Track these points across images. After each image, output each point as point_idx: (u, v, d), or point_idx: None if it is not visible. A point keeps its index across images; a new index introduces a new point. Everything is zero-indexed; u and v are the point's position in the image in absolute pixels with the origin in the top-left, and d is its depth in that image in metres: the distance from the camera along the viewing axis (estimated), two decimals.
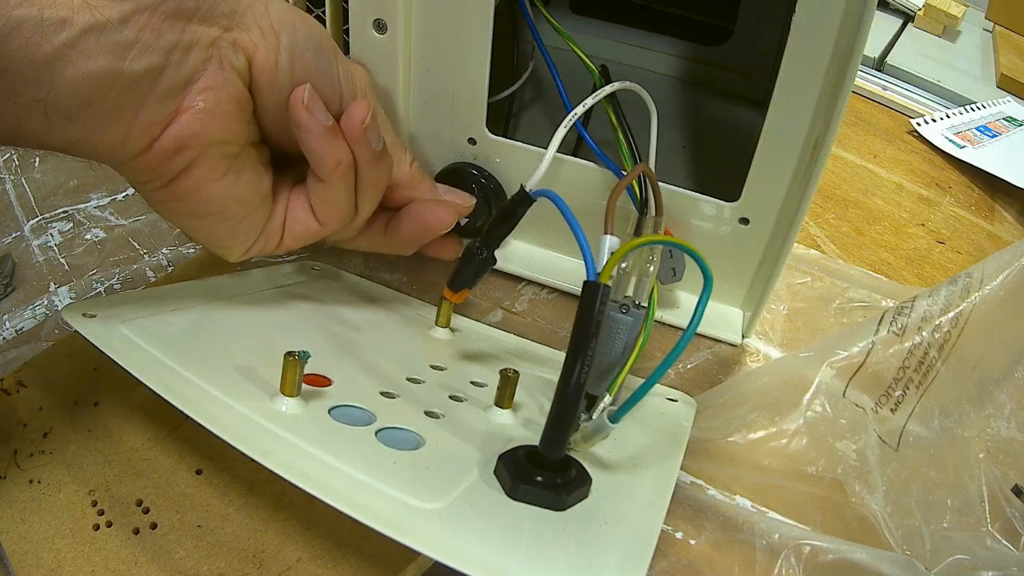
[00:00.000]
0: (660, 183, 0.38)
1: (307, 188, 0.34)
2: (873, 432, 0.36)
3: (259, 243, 0.34)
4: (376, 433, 0.28)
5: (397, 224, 0.38)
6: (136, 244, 0.46)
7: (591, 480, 0.27)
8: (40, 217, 0.47)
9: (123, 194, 0.50)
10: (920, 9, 0.98)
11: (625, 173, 0.38)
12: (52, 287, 0.42)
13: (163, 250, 0.45)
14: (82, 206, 0.48)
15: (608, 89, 0.38)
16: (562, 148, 0.37)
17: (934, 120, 0.75)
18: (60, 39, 0.24)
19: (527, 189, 0.35)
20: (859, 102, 0.79)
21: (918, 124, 0.74)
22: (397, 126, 0.43)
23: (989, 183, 0.67)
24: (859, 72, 0.40)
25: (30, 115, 0.25)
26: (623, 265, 0.35)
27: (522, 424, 0.31)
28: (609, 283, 0.27)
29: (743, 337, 0.43)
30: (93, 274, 0.43)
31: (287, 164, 0.35)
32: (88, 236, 0.46)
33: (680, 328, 0.43)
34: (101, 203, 0.49)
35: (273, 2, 0.31)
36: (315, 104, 0.31)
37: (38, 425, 0.33)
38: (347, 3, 0.40)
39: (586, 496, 0.27)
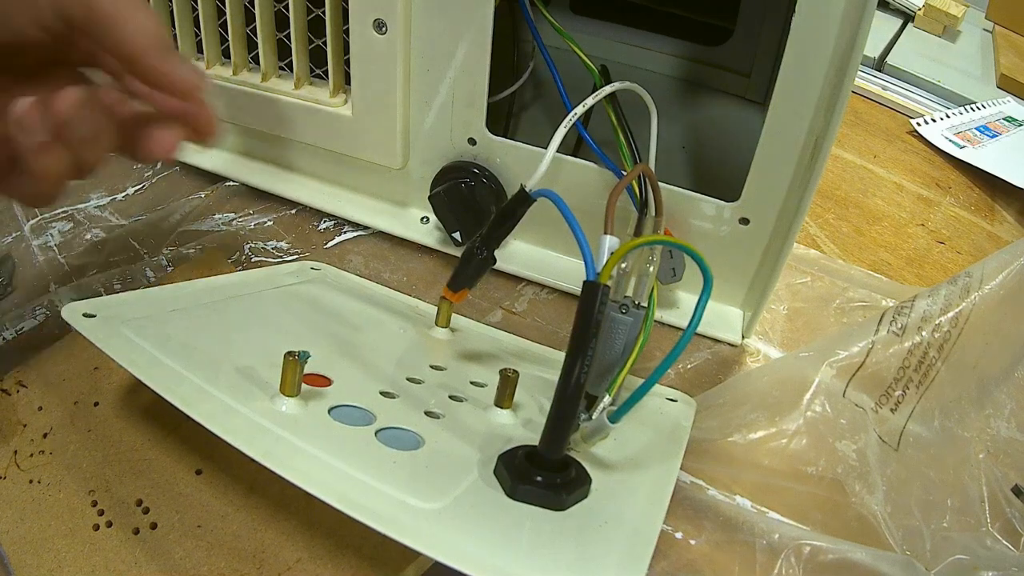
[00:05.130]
0: (660, 183, 0.38)
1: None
2: (873, 432, 0.36)
3: None
4: (376, 433, 0.28)
5: (124, 143, 0.32)
6: (136, 244, 0.46)
7: (591, 480, 0.27)
8: (40, 217, 0.47)
9: (123, 194, 0.50)
10: (920, 9, 0.98)
11: (625, 173, 0.38)
12: (52, 287, 0.42)
13: (163, 250, 0.45)
14: (82, 206, 0.48)
15: (608, 89, 0.38)
16: (562, 148, 0.37)
17: (934, 120, 0.75)
18: None
19: (527, 189, 0.35)
20: (859, 102, 0.79)
21: (918, 124, 0.74)
22: (394, 125, 0.43)
23: (989, 183, 0.67)
24: (859, 72, 0.40)
25: None
26: (623, 265, 0.35)
27: (522, 424, 0.31)
28: (609, 283, 0.27)
29: (743, 337, 0.43)
30: (93, 274, 0.43)
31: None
32: (88, 236, 0.46)
33: (680, 328, 0.43)
34: (101, 203, 0.49)
35: None
36: (31, 122, 0.27)
37: (38, 425, 0.33)
38: (347, 3, 0.40)
39: (586, 496, 0.27)
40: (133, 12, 0.30)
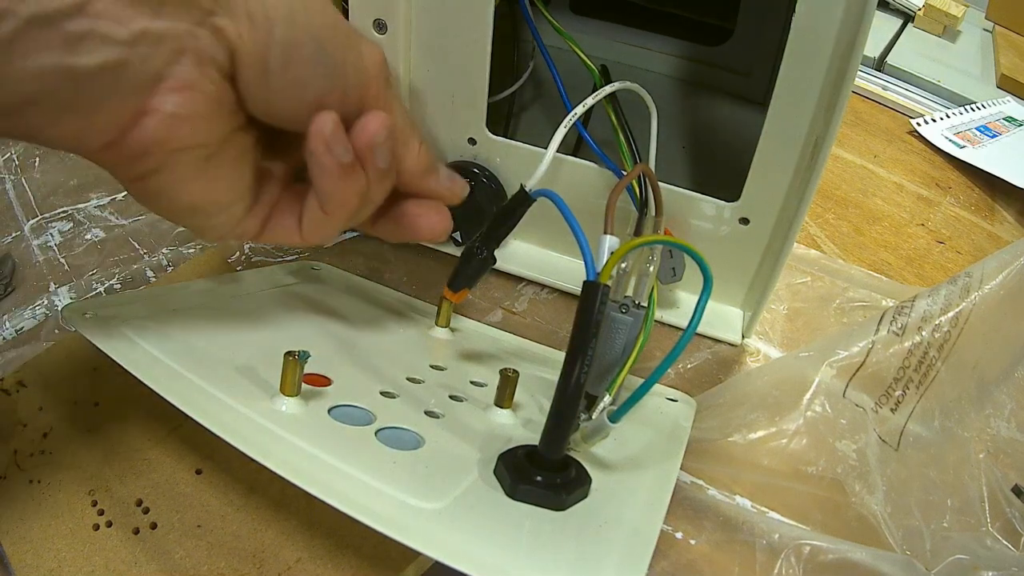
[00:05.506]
0: (660, 183, 0.38)
1: (302, 206, 0.30)
2: (873, 432, 0.36)
3: (231, 235, 0.30)
4: (376, 433, 0.28)
5: (387, 221, 0.34)
6: (136, 244, 0.46)
7: (591, 480, 0.27)
8: (40, 217, 0.47)
9: (123, 194, 0.50)
10: (920, 9, 0.98)
11: (625, 173, 0.38)
12: (52, 287, 0.42)
13: (163, 250, 0.45)
14: (82, 206, 0.48)
15: (608, 89, 0.38)
16: (562, 148, 0.37)
17: (934, 120, 0.75)
18: (1, 33, 0.20)
19: (527, 189, 0.35)
20: (859, 102, 0.79)
21: (918, 124, 0.74)
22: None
23: (989, 183, 0.67)
24: (859, 72, 0.40)
25: None
26: (623, 265, 0.35)
27: (522, 424, 0.31)
28: (609, 283, 0.27)
29: (743, 337, 0.43)
30: (93, 274, 0.43)
31: (278, 144, 0.30)
32: (88, 236, 0.46)
33: (680, 328, 0.43)
34: (101, 203, 0.49)
35: None
36: (337, 140, 0.26)
37: (38, 425, 0.33)
38: (347, 3, 0.40)
39: (586, 496, 0.27)
40: (413, 144, 0.31)
